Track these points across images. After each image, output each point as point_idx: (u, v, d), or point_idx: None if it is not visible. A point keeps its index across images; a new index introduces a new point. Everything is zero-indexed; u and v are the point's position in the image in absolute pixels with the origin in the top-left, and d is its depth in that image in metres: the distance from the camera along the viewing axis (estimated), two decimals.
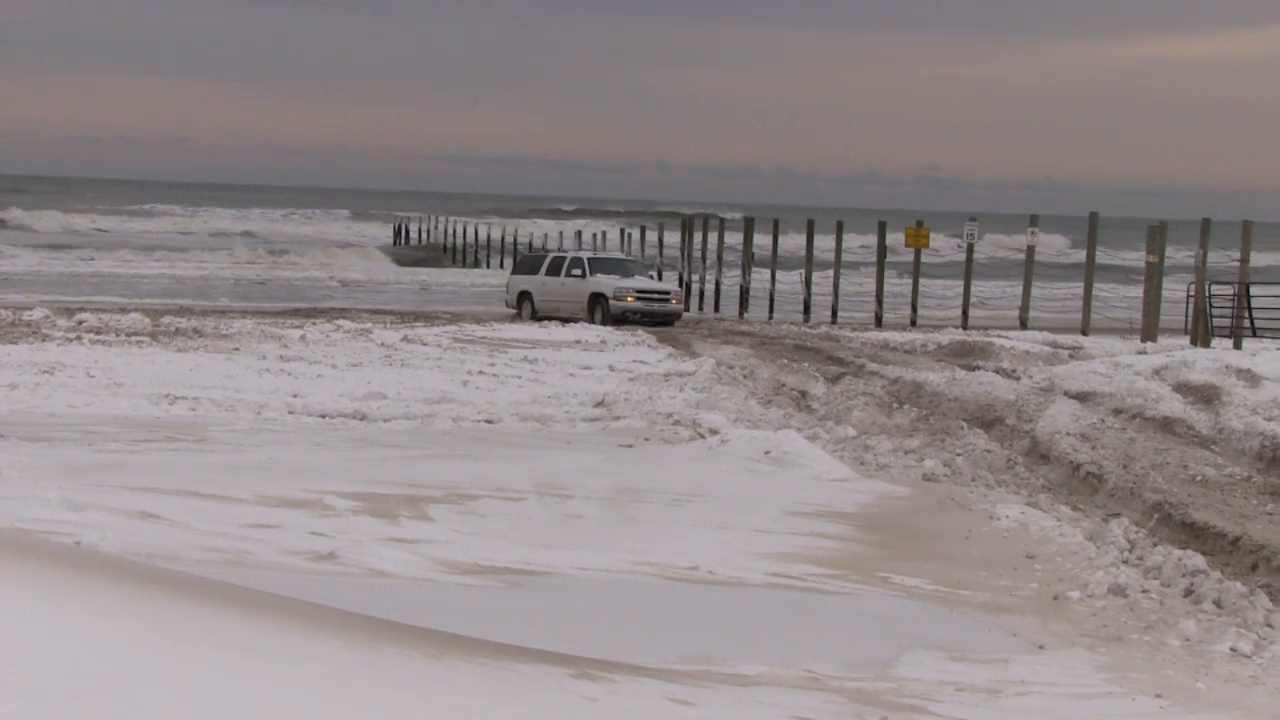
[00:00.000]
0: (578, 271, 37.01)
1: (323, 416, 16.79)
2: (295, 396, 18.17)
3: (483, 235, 72.28)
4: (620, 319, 34.81)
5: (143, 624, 5.24)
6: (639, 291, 35.83)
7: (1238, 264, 32.52)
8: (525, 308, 37.94)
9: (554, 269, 37.80)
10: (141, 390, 18.05)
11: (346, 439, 15.13)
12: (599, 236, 61.15)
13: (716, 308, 43.17)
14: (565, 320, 34.97)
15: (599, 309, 35.67)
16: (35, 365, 20.15)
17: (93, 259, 63.56)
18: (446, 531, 10.58)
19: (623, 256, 42.45)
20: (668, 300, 36.36)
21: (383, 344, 25.45)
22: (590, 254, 40.06)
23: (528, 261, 40.77)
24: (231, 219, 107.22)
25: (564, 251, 42.27)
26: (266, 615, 5.99)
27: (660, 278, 41.63)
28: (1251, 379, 20.90)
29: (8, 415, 15.68)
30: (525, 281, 38.58)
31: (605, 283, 35.95)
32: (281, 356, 22.72)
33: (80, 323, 27.53)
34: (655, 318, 35.28)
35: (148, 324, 27.71)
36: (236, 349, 23.62)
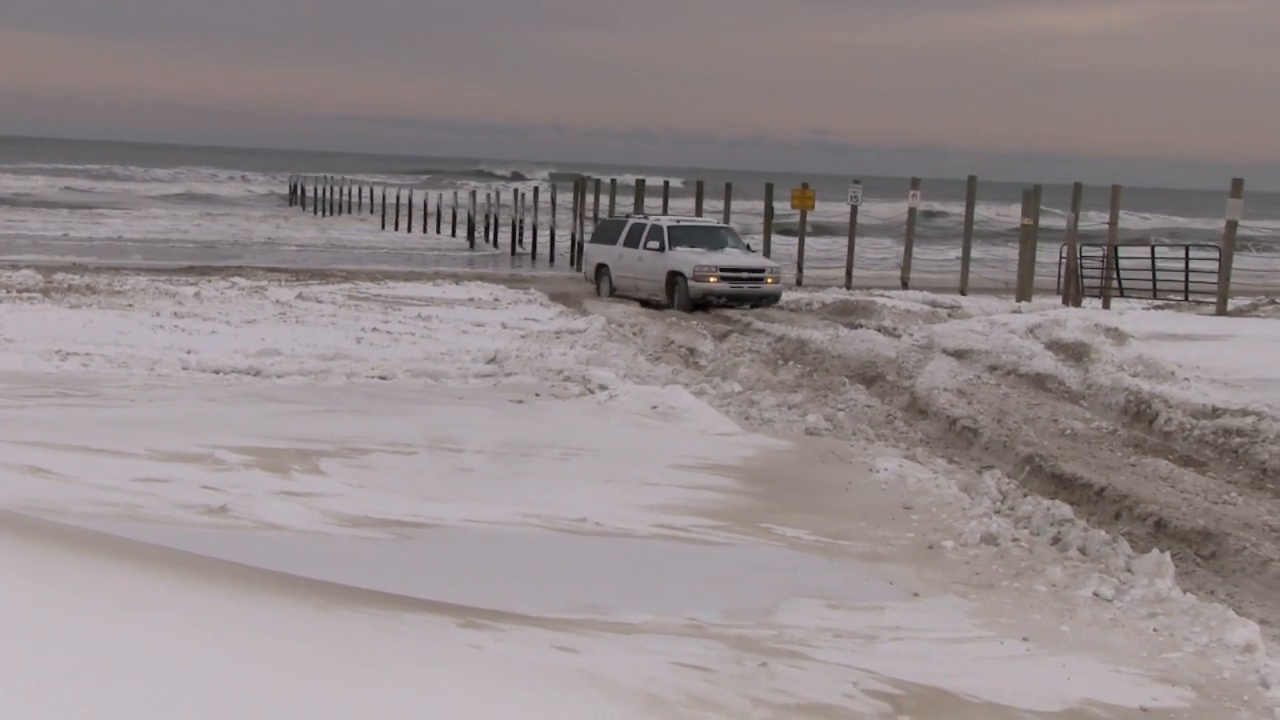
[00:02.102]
0: (655, 244, 30.46)
1: (216, 372, 16.59)
2: (189, 353, 17.93)
3: (378, 195, 71.64)
4: (701, 304, 28.66)
5: (23, 575, 5.15)
6: (724, 270, 29.15)
7: (1108, 226, 32.99)
8: (603, 284, 31.97)
9: (632, 239, 31.46)
10: (32, 346, 17.68)
11: (240, 394, 14.95)
12: (494, 195, 60.64)
13: None
14: (644, 302, 29.51)
15: (677, 290, 29.24)
16: None
17: None
18: (338, 485, 10.50)
19: (714, 224, 34.00)
20: (761, 279, 29.38)
21: (278, 301, 25.14)
22: (673, 221, 32.51)
23: (606, 228, 34.00)
24: (129, 177, 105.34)
25: (645, 217, 33.88)
26: (155, 567, 5.91)
27: (751, 249, 31.86)
28: (1119, 337, 21.26)
29: None
30: (602, 253, 32.44)
31: (685, 259, 29.31)
32: (176, 313, 22.40)
33: None
34: (747, 301, 28.92)
35: (39, 280, 27.15)
36: (130, 305, 23.25)
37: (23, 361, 16.56)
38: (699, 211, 40.36)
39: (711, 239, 30.86)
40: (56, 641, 4.49)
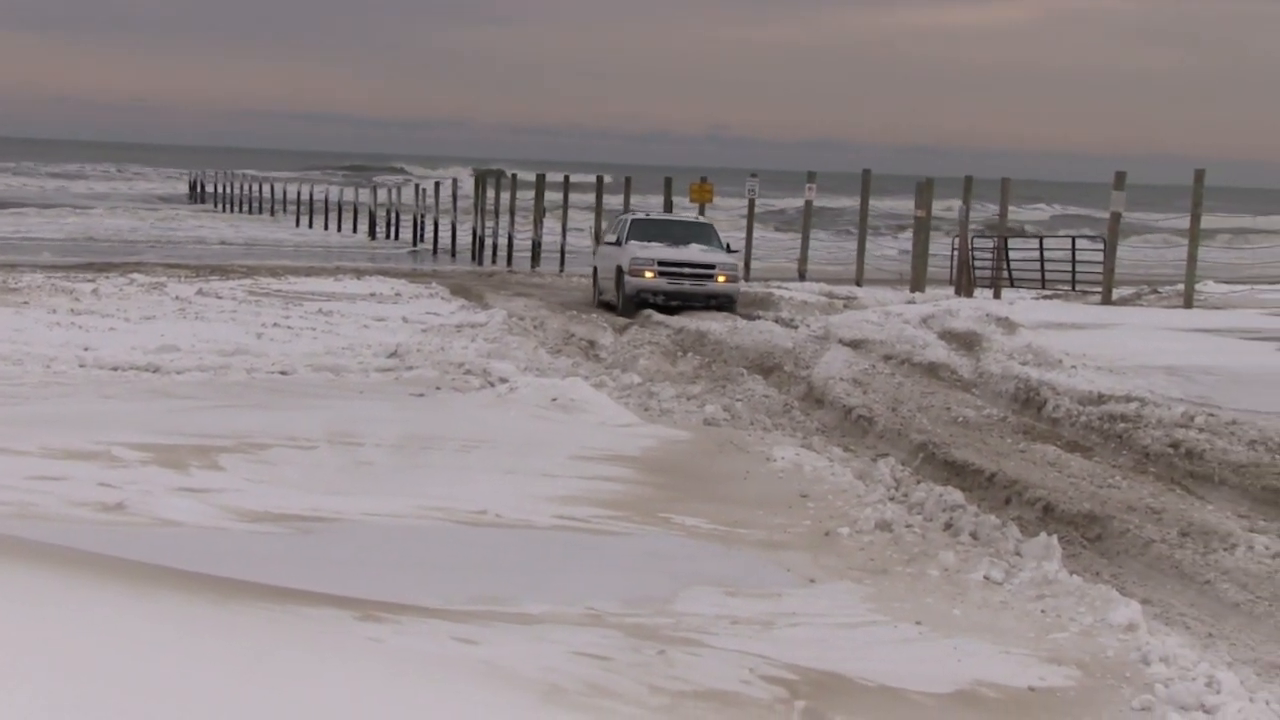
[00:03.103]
0: (612, 238, 27.43)
1: (114, 369, 16.33)
2: (86, 349, 17.63)
3: (279, 192, 70.97)
4: (640, 302, 24.87)
5: None
6: (664, 264, 25.07)
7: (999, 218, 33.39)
8: (595, 289, 28.29)
9: (605, 235, 29.02)
10: None
11: (138, 391, 14.74)
12: (395, 192, 60.23)
13: (510, 261, 42.67)
14: (611, 307, 26.09)
15: (621, 289, 25.55)
16: None
17: None
18: (237, 480, 10.37)
19: (690, 219, 29.81)
20: (710, 276, 25.23)
21: (177, 297, 24.83)
22: (642, 215, 29.40)
23: (608, 228, 30.41)
24: (24, 173, 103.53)
25: (627, 213, 30.45)
26: (48, 566, 5.81)
27: (731, 250, 27.49)
28: (1009, 326, 21.50)
29: None
30: (598, 256, 29.06)
31: (629, 252, 25.67)
32: (73, 310, 22.02)
33: None
34: (694, 301, 24.91)
35: None
36: (25, 303, 22.81)
37: None
38: (599, 205, 40.17)
39: (679, 236, 27.01)
40: None
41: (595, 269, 28.68)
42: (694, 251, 26.11)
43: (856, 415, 14.87)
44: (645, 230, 27.15)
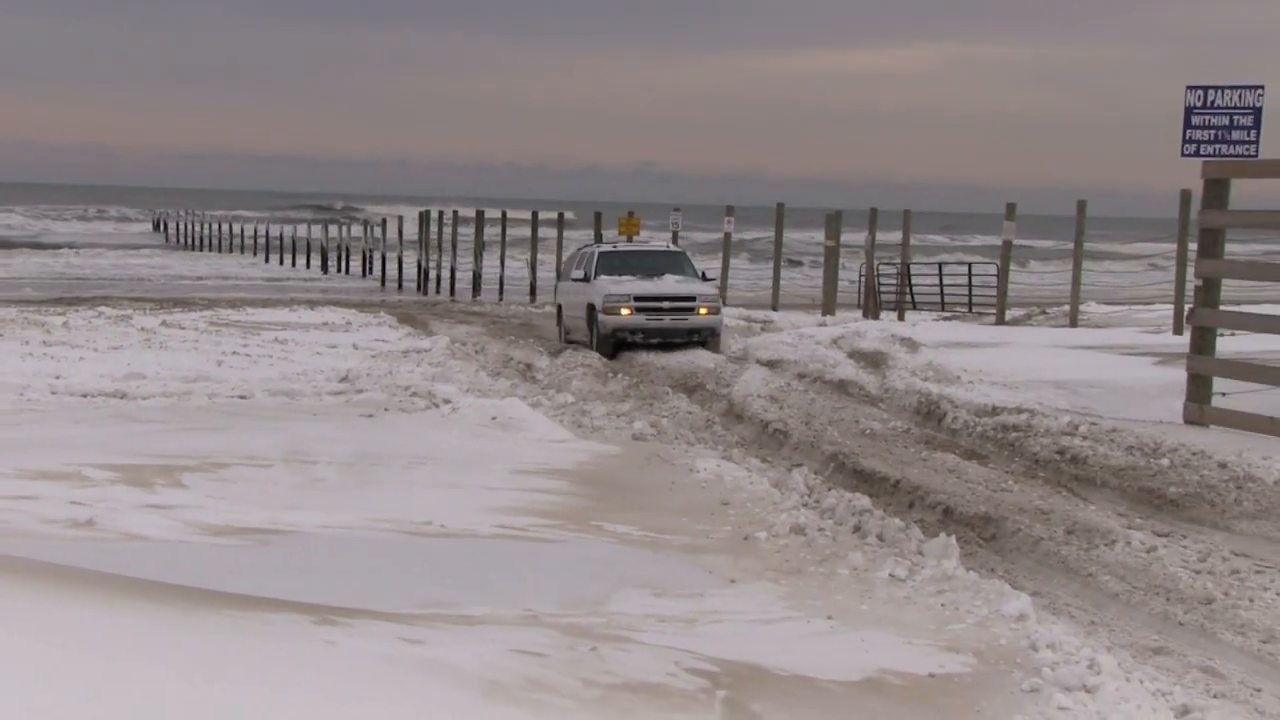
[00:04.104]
0: (580, 273, 23.63)
1: (84, 396, 16.19)
2: (57, 378, 17.46)
3: (237, 229, 70.51)
4: (617, 343, 21.65)
5: None
6: (641, 299, 21.71)
7: (901, 246, 33.66)
8: (561, 328, 24.85)
9: (569, 271, 25.02)
10: None
11: (106, 416, 14.59)
12: (344, 229, 59.97)
13: (453, 291, 42.63)
14: (583, 345, 22.77)
15: (594, 329, 22.20)
16: None
17: None
18: (199, 497, 10.30)
19: (661, 248, 25.58)
20: (691, 309, 21.82)
21: (142, 328, 24.62)
22: (609, 246, 24.96)
23: (567, 263, 26.32)
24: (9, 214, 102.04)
25: (593, 245, 26.60)
26: (19, 579, 5.78)
27: (707, 278, 24.06)
28: (912, 345, 21.69)
29: None
30: (560, 291, 25.59)
31: (601, 289, 22.24)
32: (44, 341, 21.78)
33: None
34: (675, 338, 21.62)
35: None
36: (0, 335, 22.59)
37: None
38: (534, 238, 40.07)
39: (651, 267, 23.40)
40: None
41: (559, 306, 25.18)
42: (670, 283, 22.61)
43: (773, 429, 14.93)
44: (614, 263, 23.43)
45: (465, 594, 7.70)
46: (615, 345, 21.51)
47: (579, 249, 26.29)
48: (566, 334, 24.23)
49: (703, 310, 21.79)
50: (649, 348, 21.32)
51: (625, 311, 21.58)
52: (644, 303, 21.72)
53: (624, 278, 22.60)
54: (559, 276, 26.61)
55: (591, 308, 22.23)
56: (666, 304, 21.80)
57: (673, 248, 25.82)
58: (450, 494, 10.75)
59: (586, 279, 23.06)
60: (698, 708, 5.75)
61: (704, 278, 23.57)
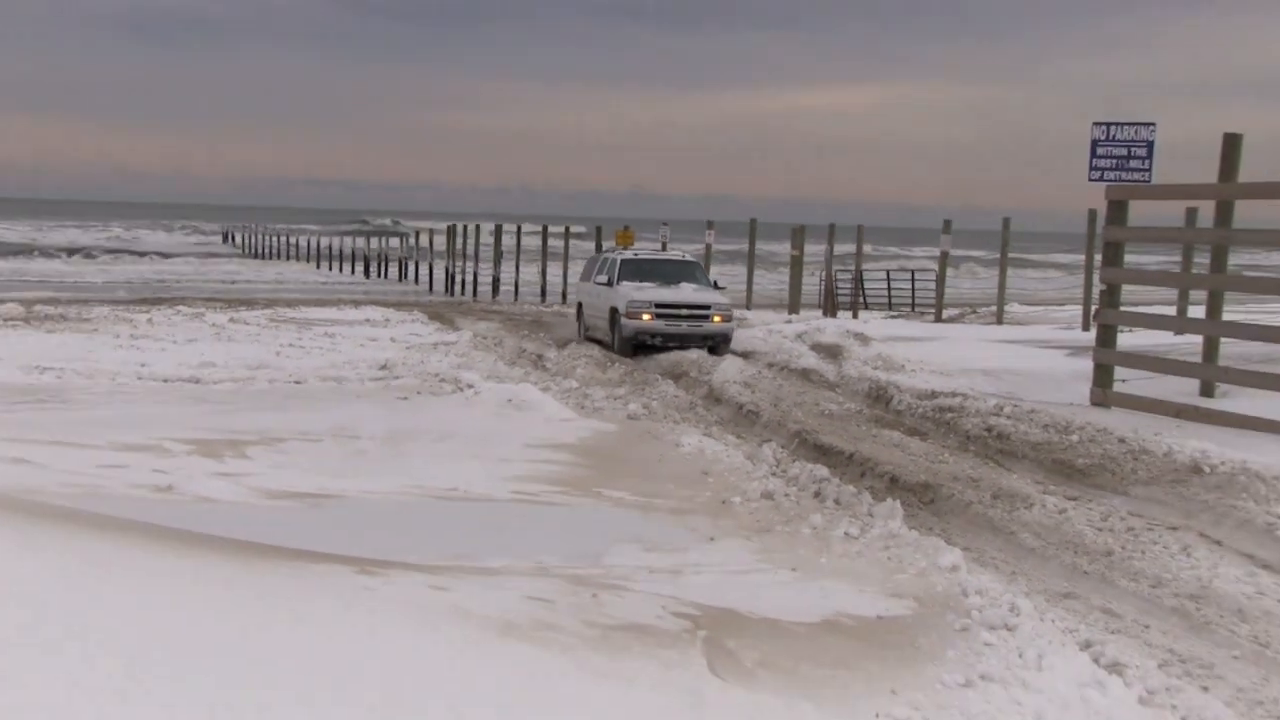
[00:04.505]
0: (603, 278, 22.12)
1: (164, 381, 16.16)
2: (143, 366, 17.44)
3: (292, 241, 70.30)
4: (637, 344, 20.33)
5: (9, 541, 5.00)
6: (661, 306, 20.43)
7: (854, 255, 33.65)
8: (581, 325, 23.54)
9: (592, 273, 23.41)
10: (15, 363, 17.03)
11: (183, 398, 14.59)
12: (384, 241, 59.81)
13: (475, 293, 42.53)
14: (605, 345, 21.43)
15: (615, 330, 20.86)
16: None
17: None
18: (261, 466, 10.30)
19: (679, 258, 23.50)
20: (706, 317, 20.47)
21: (213, 324, 24.56)
22: (630, 254, 23.02)
23: (589, 265, 24.43)
24: (94, 231, 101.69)
25: (609, 251, 24.22)
26: (113, 534, 5.77)
27: (718, 286, 22.32)
28: (864, 339, 21.68)
29: None
30: (581, 292, 24.03)
31: (625, 294, 20.82)
32: (132, 335, 21.76)
33: None
34: (691, 342, 20.21)
35: (21, 310, 26.18)
36: (95, 330, 22.53)
37: (7, 375, 15.97)
38: (544, 247, 40.00)
39: (669, 275, 21.88)
40: (40, 590, 4.37)
41: (579, 305, 23.91)
42: (688, 292, 21.15)
43: (746, 410, 14.93)
44: (635, 270, 21.91)
45: (484, 549, 7.71)
46: (635, 346, 20.40)
47: (602, 254, 24.29)
48: (586, 331, 23.05)
49: (717, 318, 20.60)
50: (665, 350, 20.14)
51: (646, 317, 20.40)
52: (664, 309, 20.50)
53: (645, 284, 21.24)
54: (581, 278, 24.80)
55: (614, 310, 20.92)
56: (684, 311, 20.54)
57: (688, 258, 23.96)
58: (472, 464, 10.76)
59: (610, 283, 21.69)
60: (682, 645, 5.76)
61: (716, 286, 22.17)
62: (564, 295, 38.39)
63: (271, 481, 9.64)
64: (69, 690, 3.63)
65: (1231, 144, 13.63)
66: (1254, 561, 8.27)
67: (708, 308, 20.53)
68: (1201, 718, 5.66)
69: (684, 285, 21.41)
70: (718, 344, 20.28)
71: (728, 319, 20.64)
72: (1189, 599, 7.54)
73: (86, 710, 3.51)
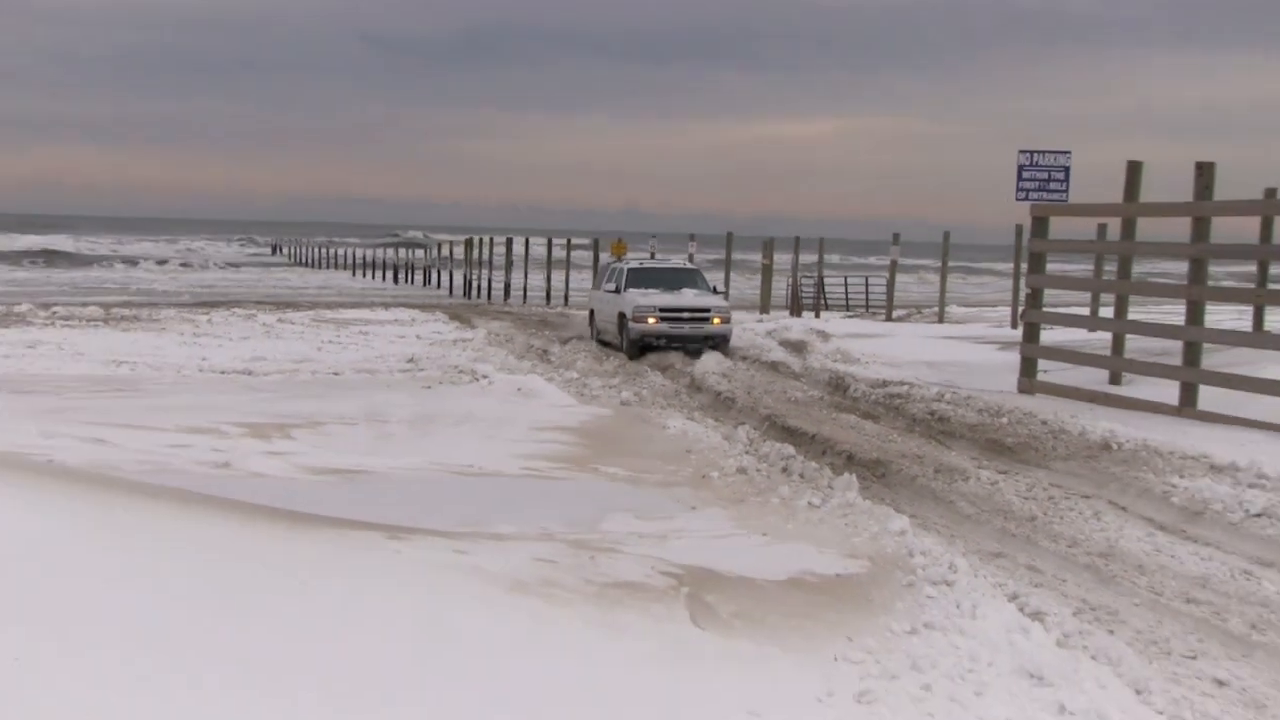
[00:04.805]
0: (611, 285, 20.87)
1: (221, 373, 16.15)
2: (203, 359, 17.43)
3: (333, 251, 70.13)
4: (644, 346, 19.10)
5: (92, 507, 5.00)
6: (665, 310, 19.26)
7: (816, 262, 33.65)
8: (592, 329, 22.14)
9: (602, 281, 22.10)
10: (96, 357, 17.11)
11: (237, 387, 14.57)
12: (410, 251, 59.57)
13: (489, 296, 42.41)
14: (615, 346, 20.19)
15: (623, 333, 19.64)
16: (21, 342, 18.87)
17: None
18: (304, 446, 10.28)
19: (680, 265, 22.50)
20: (706, 319, 19.28)
21: (264, 324, 24.53)
22: (636, 263, 22.00)
23: (601, 274, 23.06)
24: (163, 243, 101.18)
25: (620, 260, 23.72)
26: (177, 502, 5.76)
27: (717, 291, 21.09)
28: (825, 336, 21.68)
29: (2, 376, 14.71)
30: (593, 299, 22.57)
31: (631, 300, 19.66)
32: (194, 333, 21.76)
33: (54, 313, 25.88)
34: (692, 343, 18.95)
35: (101, 313, 26.17)
36: (163, 329, 22.51)
37: (89, 368, 16.02)
38: (549, 257, 39.95)
39: (671, 281, 20.69)
40: (114, 549, 4.37)
41: (592, 311, 22.47)
42: (690, 296, 19.97)
43: (723, 397, 14.92)
44: (641, 278, 20.64)
45: (497, 517, 7.70)
46: (642, 348, 19.13)
47: (609, 264, 22.95)
48: (598, 334, 21.64)
49: (716, 320, 19.38)
50: (670, 350, 18.94)
51: (652, 320, 19.19)
52: (667, 313, 19.31)
53: (650, 291, 20.00)
54: (593, 286, 23.29)
55: (622, 315, 19.69)
56: (687, 314, 19.34)
57: (689, 265, 22.78)
58: (486, 444, 10.75)
59: (617, 290, 20.39)
60: (667, 599, 5.77)
61: (715, 291, 20.80)
62: (566, 298, 38.34)
63: (313, 459, 9.63)
64: (166, 610, 3.63)
65: (1134, 170, 13.69)
66: (1152, 524, 8.31)
67: (708, 311, 19.48)
68: (1107, 656, 5.70)
69: (686, 290, 20.30)
70: (718, 344, 19.19)
71: (726, 321, 19.60)
72: (1099, 556, 7.56)
73: (185, 628, 3.52)
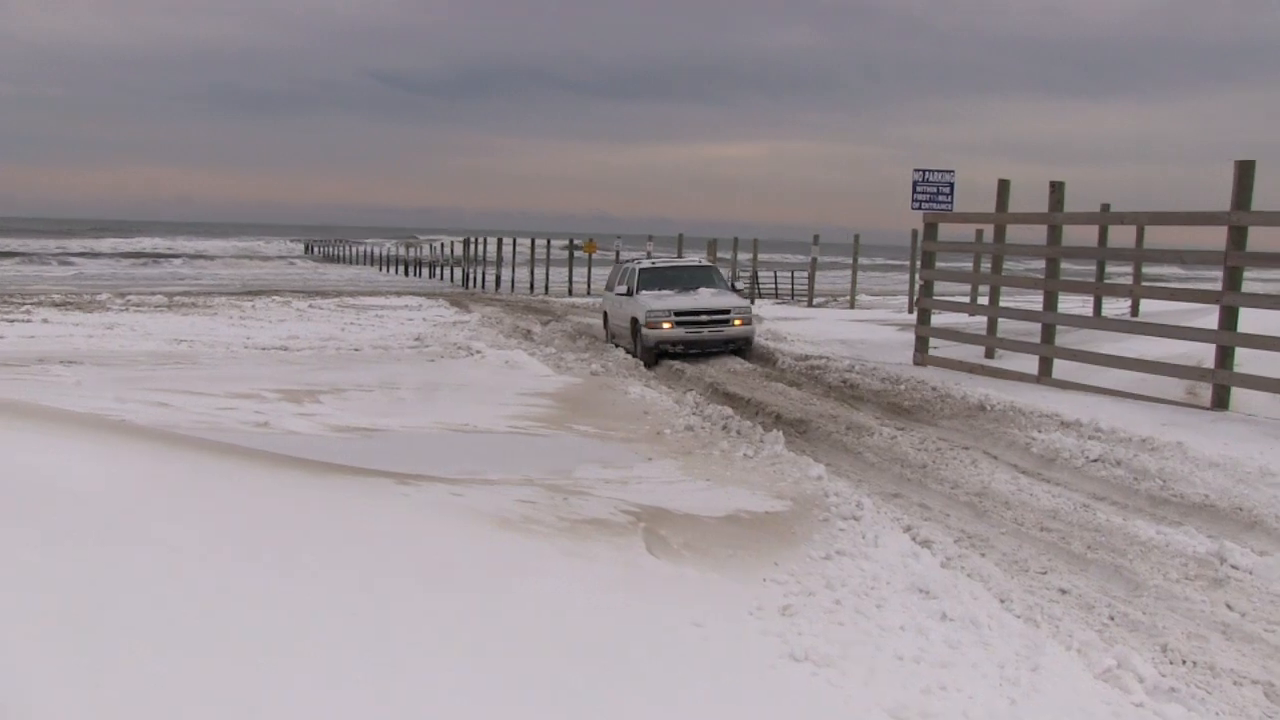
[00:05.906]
0: (623, 288, 16.47)
1: (262, 349, 15.95)
2: (248, 338, 17.22)
3: (355, 250, 69.31)
4: (660, 353, 14.94)
5: (158, 460, 4.92)
6: (680, 314, 14.89)
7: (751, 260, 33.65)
8: (606, 332, 17.48)
9: (614, 283, 17.28)
10: (161, 336, 16.92)
11: (275, 361, 14.40)
12: (419, 248, 59.06)
13: (483, 287, 42.08)
14: (630, 352, 15.69)
15: (637, 339, 15.26)
16: (101, 324, 18.74)
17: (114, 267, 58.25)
18: (330, 409, 10.20)
19: (696, 263, 17.15)
20: (726, 321, 14.92)
21: (297, 309, 24.26)
22: (649, 263, 16.84)
23: (614, 274, 17.85)
24: (218, 242, 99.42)
25: (631, 260, 18.15)
26: (224, 454, 5.68)
27: (735, 289, 16.73)
28: (759, 319, 21.60)
29: (86, 352, 14.52)
30: (605, 301, 17.74)
31: (644, 304, 15.29)
32: (240, 316, 21.49)
33: (128, 300, 25.52)
34: (713, 348, 14.87)
35: (166, 301, 25.84)
36: (215, 313, 22.19)
37: (155, 345, 15.82)
38: (532, 254, 39.70)
39: (687, 281, 16.21)
40: (183, 492, 4.30)
41: (605, 314, 17.70)
42: (706, 297, 15.50)
43: (675, 369, 14.85)
44: (654, 279, 16.27)
45: (488, 467, 7.68)
46: (657, 355, 15.04)
47: (621, 265, 17.80)
48: (611, 338, 17.16)
49: (737, 322, 15.03)
50: (689, 357, 14.99)
51: (666, 326, 14.91)
52: (683, 317, 14.96)
53: (664, 293, 15.79)
54: (605, 288, 18.43)
55: (635, 321, 15.43)
56: (704, 317, 14.98)
57: (705, 262, 17.77)
58: (479, 407, 10.70)
59: (629, 293, 16.12)
60: (628, 533, 5.77)
61: (733, 288, 16.53)
62: (546, 288, 38.11)
63: (337, 419, 9.56)
64: (216, 539, 3.59)
65: (1004, 186, 13.83)
66: (1017, 469, 8.40)
67: (727, 312, 15.03)
68: (980, 574, 5.78)
69: (702, 290, 15.88)
70: (740, 348, 15.04)
71: (748, 321, 15.12)
72: (975, 495, 7.64)
73: (225, 547, 3.47)
